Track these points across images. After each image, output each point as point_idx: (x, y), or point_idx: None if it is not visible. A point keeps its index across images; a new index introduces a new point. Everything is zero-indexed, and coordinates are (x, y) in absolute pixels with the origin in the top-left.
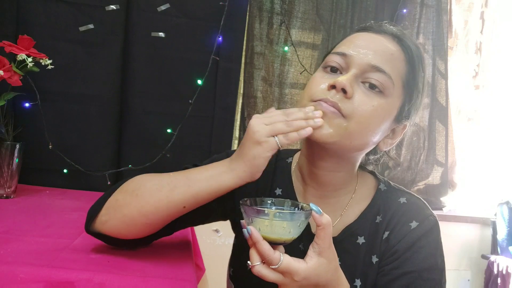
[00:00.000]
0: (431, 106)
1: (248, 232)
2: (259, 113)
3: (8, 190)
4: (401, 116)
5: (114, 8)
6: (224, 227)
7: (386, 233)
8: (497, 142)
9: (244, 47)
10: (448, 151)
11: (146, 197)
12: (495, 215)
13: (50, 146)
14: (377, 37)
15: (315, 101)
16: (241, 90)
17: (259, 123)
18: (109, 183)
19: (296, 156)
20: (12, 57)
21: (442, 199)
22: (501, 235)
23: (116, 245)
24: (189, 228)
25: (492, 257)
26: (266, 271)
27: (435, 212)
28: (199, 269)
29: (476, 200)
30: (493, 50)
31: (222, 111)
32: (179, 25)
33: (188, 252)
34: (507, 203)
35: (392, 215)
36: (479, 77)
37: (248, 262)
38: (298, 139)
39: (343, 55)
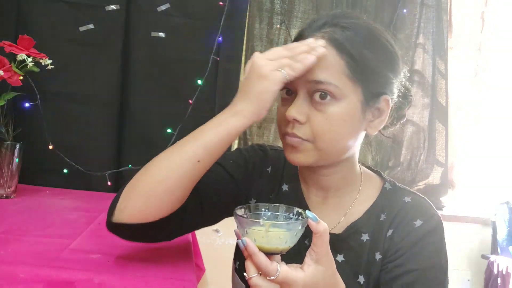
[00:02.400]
0: (431, 106)
1: (243, 244)
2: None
3: (8, 190)
4: (371, 99)
5: (114, 8)
6: (224, 227)
7: (390, 231)
8: (497, 142)
9: (244, 47)
10: (448, 151)
11: (158, 165)
12: (495, 215)
13: (50, 146)
14: None
15: (283, 137)
16: None
17: (264, 58)
18: (109, 183)
19: None
20: (12, 57)
21: (442, 199)
22: (501, 235)
23: (138, 236)
24: None
25: (492, 257)
26: (263, 283)
27: None
28: (199, 269)
29: (476, 200)
30: (493, 50)
31: (222, 111)
32: (179, 25)
33: (188, 252)
34: (507, 203)
35: (396, 214)
36: (479, 77)
37: (245, 273)
38: (304, 70)
39: (288, 83)
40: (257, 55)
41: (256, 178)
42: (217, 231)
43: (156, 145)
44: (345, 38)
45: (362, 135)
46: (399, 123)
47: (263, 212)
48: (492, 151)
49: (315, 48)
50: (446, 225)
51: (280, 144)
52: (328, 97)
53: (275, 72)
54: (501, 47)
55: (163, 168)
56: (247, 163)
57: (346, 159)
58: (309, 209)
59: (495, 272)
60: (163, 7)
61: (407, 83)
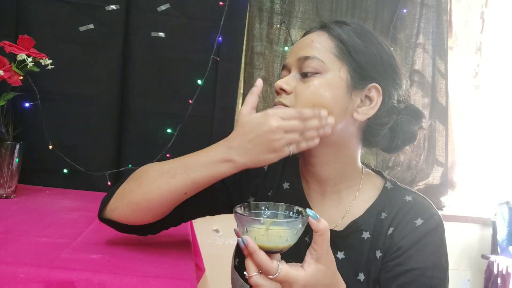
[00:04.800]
0: (431, 106)
1: (243, 242)
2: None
3: (8, 190)
4: (357, 82)
5: (114, 8)
6: (224, 227)
7: (391, 229)
8: (497, 142)
9: (244, 47)
10: (448, 151)
11: (149, 184)
12: (495, 215)
13: (50, 146)
14: (305, 37)
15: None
16: (241, 90)
17: (280, 130)
18: (109, 183)
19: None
20: (12, 57)
21: (442, 199)
22: (501, 235)
23: (126, 231)
24: (189, 228)
25: (492, 257)
26: (263, 281)
27: None
28: (199, 269)
29: (476, 200)
30: (493, 50)
31: (222, 111)
32: (179, 25)
33: (188, 252)
34: (507, 203)
35: (397, 212)
36: (479, 77)
37: (245, 272)
38: (308, 148)
39: (284, 67)
40: (275, 121)
41: (251, 177)
42: (217, 231)
43: (156, 145)
44: (339, 27)
45: (350, 121)
46: (406, 145)
47: (263, 211)
48: (492, 151)
49: (324, 126)
50: (446, 225)
51: None
52: (314, 72)
53: (285, 148)
54: (501, 47)
55: (151, 190)
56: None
57: (338, 148)
58: (309, 207)
59: (495, 272)
60: (163, 7)
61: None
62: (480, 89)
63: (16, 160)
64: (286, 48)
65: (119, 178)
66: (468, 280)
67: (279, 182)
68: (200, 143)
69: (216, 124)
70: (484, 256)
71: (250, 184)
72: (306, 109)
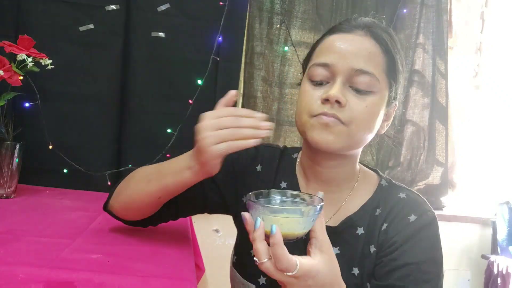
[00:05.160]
0: (431, 106)
1: (273, 231)
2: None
3: (8, 190)
4: (390, 101)
5: (114, 8)
6: (224, 227)
7: (385, 225)
8: (497, 142)
9: (244, 47)
10: (448, 151)
11: (132, 187)
12: (495, 215)
13: (50, 146)
14: (352, 37)
15: (315, 116)
16: (241, 90)
17: (206, 129)
18: (109, 183)
19: (301, 153)
20: (12, 57)
21: (442, 199)
22: (501, 235)
23: (126, 223)
24: (189, 228)
25: (492, 257)
26: (275, 272)
27: (435, 212)
28: (199, 269)
29: (476, 200)
30: (493, 50)
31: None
32: (179, 25)
33: (188, 252)
34: (507, 203)
35: (391, 208)
36: (479, 77)
37: (255, 258)
38: (242, 148)
39: (326, 65)
40: (203, 121)
41: (243, 177)
42: (217, 231)
43: (156, 145)
44: (387, 39)
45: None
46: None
47: (276, 199)
48: (492, 151)
49: (260, 127)
50: (446, 225)
51: (278, 143)
52: (367, 89)
53: (213, 147)
54: (501, 47)
55: (133, 193)
56: (234, 165)
57: (353, 154)
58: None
59: (495, 272)
60: (163, 7)
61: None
62: (480, 89)
63: (16, 160)
64: (286, 48)
65: (119, 178)
66: (468, 280)
67: (275, 182)
68: None
69: None
70: (484, 256)
71: (243, 184)
72: (242, 109)
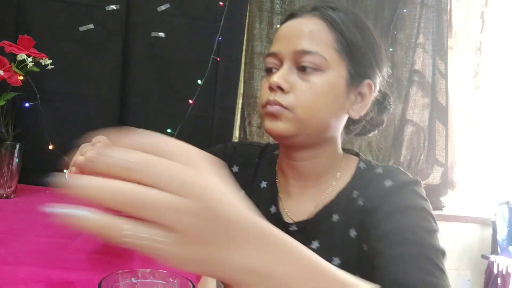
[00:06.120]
0: (431, 106)
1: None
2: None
3: (8, 190)
4: (355, 79)
5: (114, 8)
6: None
7: (361, 200)
8: (497, 142)
9: (244, 47)
10: (448, 151)
11: None
12: (495, 215)
13: (50, 146)
14: (297, 21)
15: (264, 107)
16: (241, 90)
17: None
18: None
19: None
20: (12, 57)
21: (442, 199)
22: (501, 235)
23: None
24: None
25: (492, 257)
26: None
27: (435, 212)
28: None
29: (476, 200)
30: (493, 50)
31: (222, 111)
32: (179, 25)
33: None
34: (507, 203)
35: (367, 186)
36: (479, 77)
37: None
38: None
39: (274, 54)
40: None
41: None
42: None
43: None
44: (337, 16)
45: (344, 117)
46: (375, 130)
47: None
48: (492, 151)
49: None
50: (446, 225)
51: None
52: (314, 68)
53: None
54: (501, 47)
55: None
56: None
57: (327, 143)
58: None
59: (495, 272)
60: (163, 7)
61: (387, 89)
62: (480, 89)
63: (16, 160)
64: None
65: None
66: (468, 280)
67: (254, 182)
68: (200, 143)
69: (216, 124)
70: (484, 256)
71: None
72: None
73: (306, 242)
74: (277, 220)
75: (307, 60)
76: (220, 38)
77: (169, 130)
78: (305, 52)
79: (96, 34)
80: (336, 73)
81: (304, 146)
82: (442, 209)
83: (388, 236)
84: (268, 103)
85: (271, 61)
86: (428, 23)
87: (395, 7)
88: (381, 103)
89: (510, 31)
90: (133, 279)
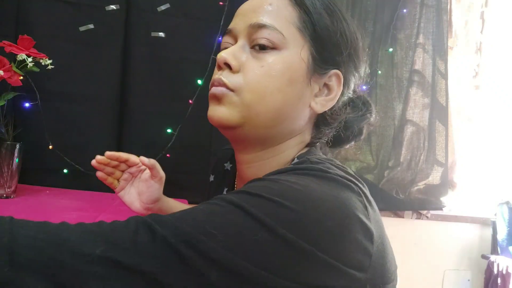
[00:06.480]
0: (431, 106)
1: None
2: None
3: (8, 190)
4: (318, 65)
5: (114, 8)
6: None
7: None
8: (497, 142)
9: None
10: (448, 151)
11: None
12: (495, 215)
13: (50, 146)
14: None
15: (210, 90)
16: None
17: None
18: None
19: None
20: (12, 57)
21: (442, 199)
22: (501, 235)
23: None
24: None
25: (492, 257)
26: None
27: (435, 212)
28: None
29: (476, 200)
30: (493, 50)
31: None
32: (179, 25)
33: None
34: (507, 203)
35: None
36: (479, 77)
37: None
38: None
39: (228, 32)
40: None
41: (208, 187)
42: None
43: (156, 145)
44: None
45: (304, 109)
46: (353, 140)
47: None
48: (492, 151)
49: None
50: (446, 225)
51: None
52: (267, 47)
53: None
54: (501, 47)
55: None
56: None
57: (282, 142)
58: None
59: (495, 272)
60: (163, 7)
61: (366, 96)
62: (480, 89)
63: (16, 160)
64: None
65: None
66: (468, 280)
67: (220, 189)
68: (200, 143)
69: None
70: (484, 256)
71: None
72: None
73: None
74: None
75: (261, 36)
76: (220, 38)
77: (169, 130)
78: (260, 26)
79: (96, 34)
80: (294, 53)
81: (251, 143)
82: (442, 209)
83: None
84: (213, 83)
85: (226, 40)
86: (428, 23)
87: (395, 7)
88: (357, 107)
89: (510, 31)
90: None
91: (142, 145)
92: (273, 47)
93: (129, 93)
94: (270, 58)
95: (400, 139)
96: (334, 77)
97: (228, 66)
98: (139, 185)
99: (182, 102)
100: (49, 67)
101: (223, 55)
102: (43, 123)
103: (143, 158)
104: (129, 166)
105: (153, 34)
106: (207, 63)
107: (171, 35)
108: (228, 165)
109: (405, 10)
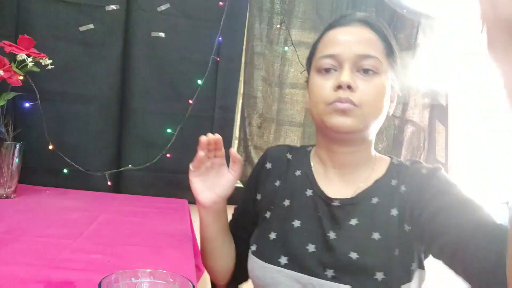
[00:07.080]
0: (431, 106)
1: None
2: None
3: (8, 190)
4: (395, 83)
5: (114, 8)
6: None
7: (403, 187)
8: (497, 142)
9: (244, 47)
10: (448, 151)
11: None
12: (495, 215)
13: (50, 146)
14: (351, 29)
15: (330, 104)
16: (241, 90)
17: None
18: (109, 183)
19: (315, 146)
20: (12, 57)
21: None
22: None
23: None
24: (189, 228)
25: None
26: None
27: None
28: (199, 270)
29: (475, 200)
30: None
31: (222, 111)
32: (179, 25)
33: (188, 252)
34: (507, 203)
35: (404, 175)
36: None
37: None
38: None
39: (332, 56)
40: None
41: (260, 176)
42: None
43: (156, 145)
44: (383, 27)
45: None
46: None
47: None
48: (492, 151)
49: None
50: None
51: (278, 143)
52: (371, 72)
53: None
54: None
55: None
56: (254, 171)
57: (367, 140)
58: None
59: None
60: (163, 7)
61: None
62: (480, 89)
63: (16, 160)
64: (286, 48)
65: (119, 178)
66: None
67: (288, 172)
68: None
69: (216, 124)
70: None
71: (260, 181)
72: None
73: (345, 219)
74: (319, 197)
75: (368, 64)
76: (220, 38)
77: (169, 130)
78: (367, 56)
79: (96, 34)
80: (387, 76)
81: (357, 141)
82: None
83: (442, 212)
84: (339, 100)
85: (329, 62)
86: None
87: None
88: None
89: None
90: (133, 279)
91: (142, 145)
92: (375, 72)
93: (129, 93)
94: (376, 80)
95: (400, 139)
96: (393, 90)
97: (349, 87)
98: (215, 178)
99: (182, 102)
100: (49, 67)
101: (347, 80)
102: (43, 123)
103: (232, 149)
104: (216, 157)
105: (153, 34)
106: (207, 63)
107: (171, 35)
108: (289, 155)
109: (405, 10)
